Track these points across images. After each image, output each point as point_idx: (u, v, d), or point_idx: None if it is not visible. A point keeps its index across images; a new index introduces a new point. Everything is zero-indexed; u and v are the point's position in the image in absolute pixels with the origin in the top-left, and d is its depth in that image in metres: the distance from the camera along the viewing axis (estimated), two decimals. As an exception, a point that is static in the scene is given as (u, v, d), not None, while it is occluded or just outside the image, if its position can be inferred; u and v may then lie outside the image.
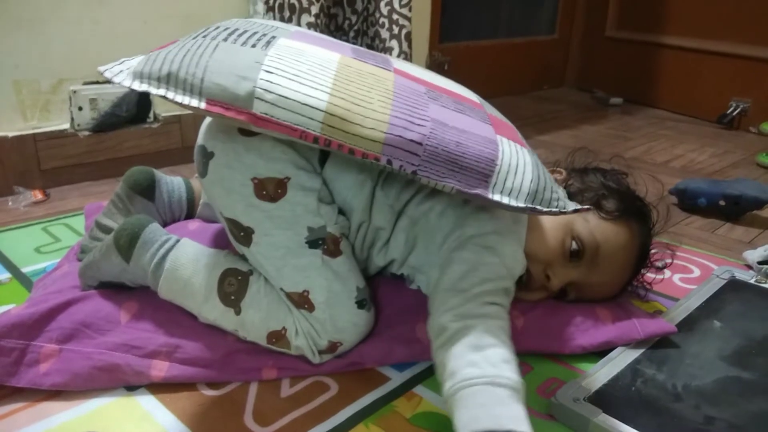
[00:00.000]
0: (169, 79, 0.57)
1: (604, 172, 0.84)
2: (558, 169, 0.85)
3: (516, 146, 0.63)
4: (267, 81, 0.55)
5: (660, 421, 0.64)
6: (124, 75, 0.59)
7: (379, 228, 0.75)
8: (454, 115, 0.62)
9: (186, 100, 0.56)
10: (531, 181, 0.61)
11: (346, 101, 0.56)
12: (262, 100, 0.55)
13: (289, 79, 0.56)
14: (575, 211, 0.65)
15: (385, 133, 0.56)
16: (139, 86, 0.58)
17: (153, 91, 0.57)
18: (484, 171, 0.59)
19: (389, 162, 0.56)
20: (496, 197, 0.59)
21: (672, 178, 1.45)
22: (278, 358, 0.70)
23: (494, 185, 0.59)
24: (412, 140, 0.56)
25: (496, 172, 0.59)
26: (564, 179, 0.82)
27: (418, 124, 0.57)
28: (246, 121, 0.55)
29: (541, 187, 0.62)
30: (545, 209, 0.61)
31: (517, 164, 0.61)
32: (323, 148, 0.56)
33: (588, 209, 0.70)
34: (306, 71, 0.57)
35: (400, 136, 0.56)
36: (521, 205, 0.60)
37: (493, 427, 0.51)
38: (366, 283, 0.73)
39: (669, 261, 0.87)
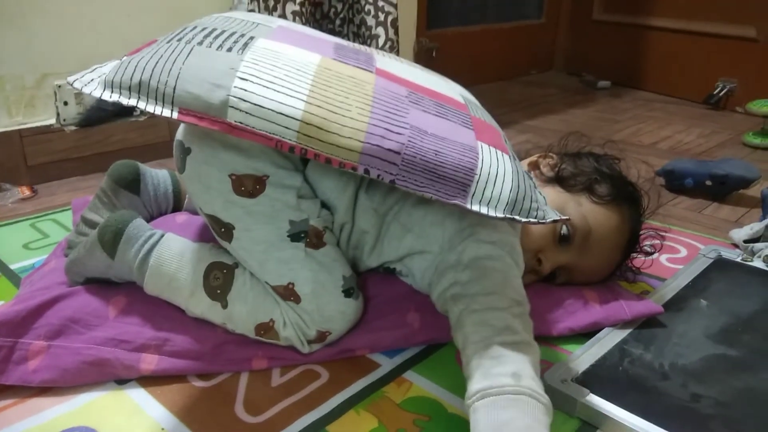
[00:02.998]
0: (140, 88, 0.56)
1: (597, 157, 0.84)
2: (549, 153, 0.85)
3: (497, 153, 0.62)
4: (241, 89, 0.54)
5: (647, 399, 0.65)
6: (95, 84, 0.58)
7: (363, 231, 0.74)
8: (435, 120, 0.61)
9: (158, 110, 0.55)
10: (510, 191, 0.60)
11: (322, 109, 0.55)
12: (237, 108, 0.54)
13: (264, 86, 0.55)
14: (554, 221, 0.65)
15: (362, 142, 0.55)
16: (110, 96, 0.56)
17: (124, 101, 0.56)
18: (462, 180, 0.58)
19: (366, 171, 0.56)
20: (475, 207, 0.58)
21: (659, 160, 1.45)
22: (268, 348, 0.71)
23: (473, 195, 0.58)
24: (390, 149, 0.56)
25: (474, 182, 0.58)
26: (555, 164, 0.82)
27: (397, 132, 0.57)
28: (220, 130, 0.54)
29: (521, 197, 0.61)
30: (524, 219, 0.61)
31: (497, 173, 0.60)
32: (300, 156, 0.56)
33: (567, 220, 0.69)
34: (282, 77, 0.56)
35: (377, 146, 0.55)
36: (500, 215, 0.59)
37: None
38: (353, 272, 0.73)
39: (658, 243, 0.88)
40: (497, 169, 0.60)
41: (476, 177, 0.58)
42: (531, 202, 0.62)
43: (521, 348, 0.58)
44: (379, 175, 0.56)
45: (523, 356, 0.57)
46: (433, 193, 0.57)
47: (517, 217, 0.60)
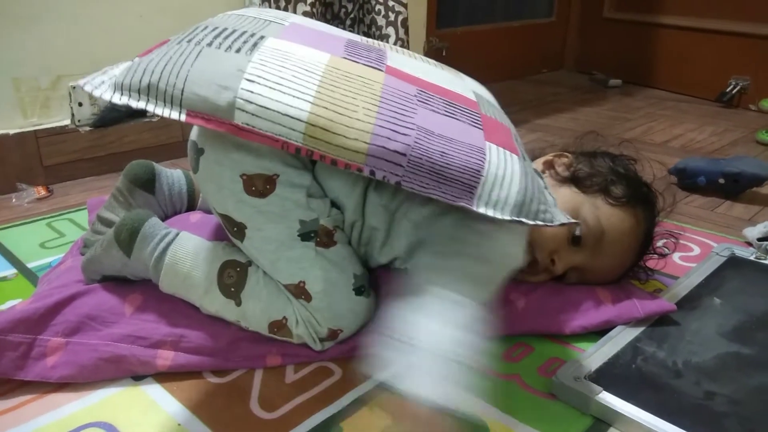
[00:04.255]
0: (149, 91, 0.56)
1: (613, 158, 0.83)
2: (565, 153, 0.85)
3: (505, 154, 0.62)
4: (248, 91, 0.55)
5: (660, 397, 0.65)
6: (105, 87, 0.59)
7: (374, 228, 0.74)
8: (443, 120, 0.60)
9: (166, 112, 0.56)
10: (518, 193, 0.59)
11: (329, 110, 0.55)
12: (243, 110, 0.54)
13: (271, 88, 0.55)
14: (562, 224, 0.64)
15: (368, 143, 0.55)
16: (120, 99, 0.57)
17: (133, 104, 0.56)
18: (469, 182, 0.57)
19: (372, 173, 0.56)
20: (481, 209, 0.58)
21: (671, 158, 1.45)
22: (282, 345, 0.71)
23: (479, 197, 0.58)
24: (395, 151, 0.56)
25: (481, 184, 0.58)
26: (570, 163, 0.82)
27: (403, 134, 0.56)
28: (227, 131, 0.55)
29: (528, 199, 0.60)
30: (531, 222, 0.60)
31: (504, 174, 0.59)
32: (306, 157, 0.56)
33: (576, 223, 0.69)
34: (290, 78, 0.56)
35: (383, 147, 0.55)
36: (506, 217, 0.59)
37: None
38: (365, 270, 0.73)
39: (672, 244, 0.87)
40: (505, 171, 0.60)
41: (483, 179, 0.58)
42: (539, 204, 0.62)
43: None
44: (384, 177, 0.56)
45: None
46: (439, 195, 0.57)
47: (524, 220, 0.59)
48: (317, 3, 1.54)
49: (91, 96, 1.29)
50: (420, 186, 0.57)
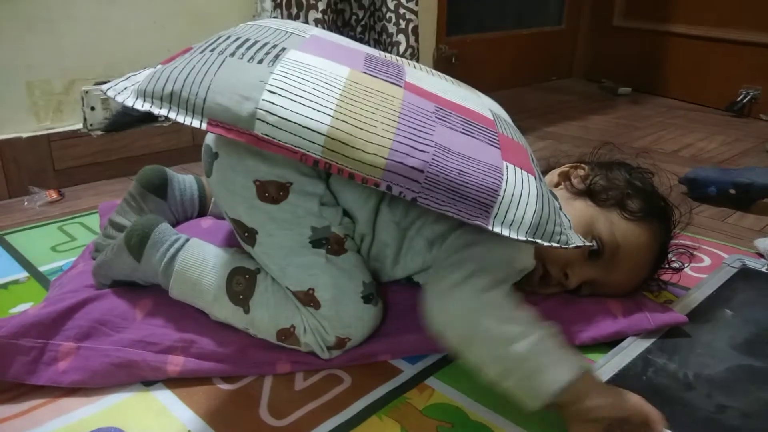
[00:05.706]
0: (171, 99, 0.57)
1: (630, 170, 0.83)
2: (581, 165, 0.84)
3: (522, 173, 0.62)
4: (269, 102, 0.55)
5: (671, 409, 0.64)
6: (128, 93, 0.59)
7: (384, 244, 0.74)
8: (461, 138, 0.60)
9: (188, 120, 0.56)
10: (534, 214, 0.59)
11: (348, 124, 0.56)
12: (264, 121, 0.55)
13: (292, 100, 0.56)
14: (577, 247, 0.64)
15: (386, 159, 0.55)
16: (142, 105, 0.58)
17: (155, 111, 0.57)
18: (485, 201, 0.57)
19: (389, 188, 0.56)
20: (497, 229, 0.58)
21: (682, 167, 1.44)
22: (291, 353, 0.71)
23: (495, 216, 0.58)
24: (413, 167, 0.56)
25: (497, 203, 0.58)
26: (586, 175, 0.82)
27: (421, 150, 0.57)
28: (247, 142, 0.55)
29: (544, 220, 0.60)
30: (546, 243, 0.60)
31: (521, 195, 0.59)
32: (324, 170, 0.56)
33: (591, 246, 0.69)
34: (310, 91, 0.57)
35: (401, 163, 0.56)
36: (522, 237, 0.59)
37: None
38: (373, 279, 0.73)
39: (687, 257, 0.87)
40: (521, 191, 0.60)
41: (499, 198, 0.58)
42: (554, 225, 0.62)
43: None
44: (401, 192, 0.56)
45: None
46: (454, 213, 0.57)
47: (539, 241, 0.60)
48: (328, 10, 1.55)
49: (103, 100, 1.31)
50: (436, 203, 0.57)
